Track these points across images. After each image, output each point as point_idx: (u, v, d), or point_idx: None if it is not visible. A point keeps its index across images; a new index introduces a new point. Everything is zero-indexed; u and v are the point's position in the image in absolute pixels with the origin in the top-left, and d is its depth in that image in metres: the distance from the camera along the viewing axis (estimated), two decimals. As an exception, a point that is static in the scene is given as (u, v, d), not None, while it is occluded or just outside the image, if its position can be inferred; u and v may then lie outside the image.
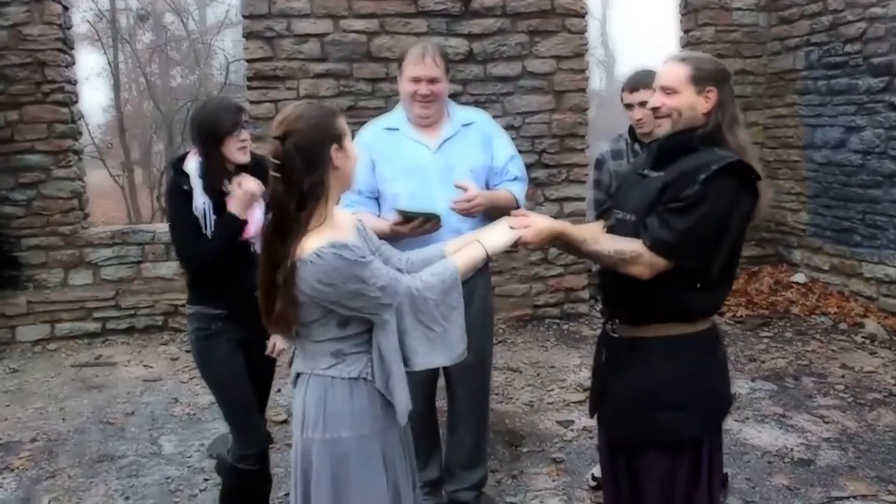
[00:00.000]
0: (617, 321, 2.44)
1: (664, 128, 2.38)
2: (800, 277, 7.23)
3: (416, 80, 3.07)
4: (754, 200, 2.27)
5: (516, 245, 2.38)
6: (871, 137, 6.30)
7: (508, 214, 3.35)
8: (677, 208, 2.20)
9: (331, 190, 2.09)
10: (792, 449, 4.08)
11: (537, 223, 2.34)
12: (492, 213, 3.06)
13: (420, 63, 3.05)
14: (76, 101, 6.65)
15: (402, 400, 2.13)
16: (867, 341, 5.82)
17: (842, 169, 6.65)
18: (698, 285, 2.26)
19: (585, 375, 5.30)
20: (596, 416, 2.60)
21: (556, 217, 6.49)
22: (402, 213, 2.89)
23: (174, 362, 5.78)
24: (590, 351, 5.83)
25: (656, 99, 2.39)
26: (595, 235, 2.39)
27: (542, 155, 6.49)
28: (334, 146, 2.06)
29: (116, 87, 17.01)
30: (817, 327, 6.24)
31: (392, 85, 6.14)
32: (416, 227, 2.89)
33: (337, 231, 2.09)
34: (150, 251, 6.47)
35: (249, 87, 6.05)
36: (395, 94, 6.01)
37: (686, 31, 7.56)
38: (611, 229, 2.46)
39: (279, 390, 4.69)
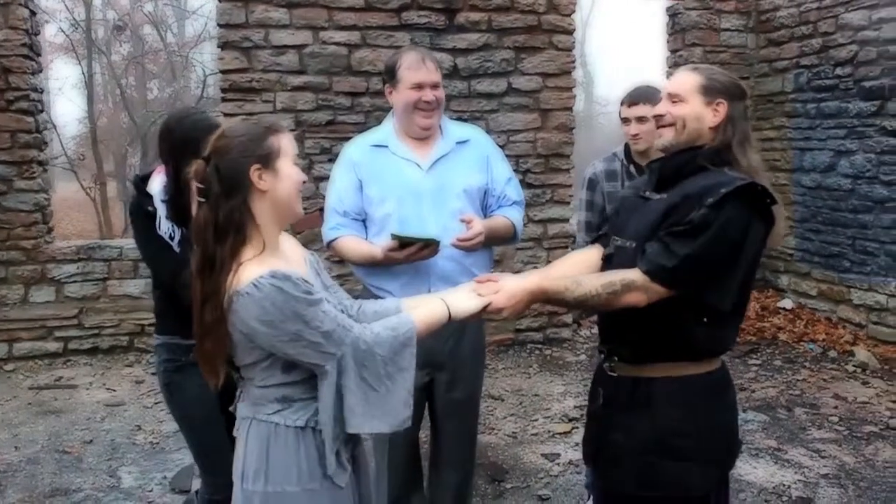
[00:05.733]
0: (616, 359, 2.21)
1: (665, 138, 2.17)
2: (786, 303, 7.09)
3: (419, 86, 2.82)
4: (768, 227, 2.07)
5: (486, 311, 2.10)
6: (862, 162, 6.18)
7: (506, 243, 3.16)
8: (680, 232, 1.99)
9: (259, 217, 1.84)
10: (789, 486, 3.89)
11: (507, 287, 2.07)
12: (490, 242, 2.88)
13: (422, 67, 2.82)
14: (42, 110, 6.36)
15: (329, 459, 1.86)
16: (858, 370, 5.66)
17: (831, 193, 6.52)
18: (705, 319, 2.04)
19: (570, 405, 5.10)
20: (592, 464, 2.37)
21: (539, 239, 6.40)
22: (398, 238, 2.66)
23: (139, 385, 5.49)
24: (574, 378, 5.66)
25: (661, 106, 2.20)
26: (575, 279, 2.11)
27: (526, 175, 6.28)
28: (256, 166, 1.81)
29: (90, 99, 16.70)
30: (806, 355, 6.07)
31: (373, 100, 5.95)
32: (413, 253, 2.66)
33: (283, 262, 1.85)
34: (117, 268, 6.18)
35: (224, 99, 5.82)
36: (376, 110, 5.91)
37: (673, 52, 7.44)
38: (608, 258, 2.24)
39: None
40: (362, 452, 2.08)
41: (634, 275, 2.01)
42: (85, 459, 4.27)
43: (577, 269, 2.27)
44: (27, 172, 6.05)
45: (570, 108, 6.41)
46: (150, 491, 3.90)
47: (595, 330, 6.69)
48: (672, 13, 7.42)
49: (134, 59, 17.93)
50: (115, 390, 5.40)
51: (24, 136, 6.03)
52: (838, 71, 6.37)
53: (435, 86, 2.85)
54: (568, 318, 6.62)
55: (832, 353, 6.05)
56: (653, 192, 2.18)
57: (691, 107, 2.13)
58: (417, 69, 2.81)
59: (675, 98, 2.16)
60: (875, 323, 6.16)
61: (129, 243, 6.46)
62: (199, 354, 1.85)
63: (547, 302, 2.17)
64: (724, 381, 2.21)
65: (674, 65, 7.41)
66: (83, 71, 16.50)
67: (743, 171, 2.10)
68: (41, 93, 6.40)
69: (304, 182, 1.94)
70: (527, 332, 6.47)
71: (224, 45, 5.75)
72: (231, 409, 2.03)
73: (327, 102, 5.90)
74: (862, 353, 5.86)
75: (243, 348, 1.82)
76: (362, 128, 5.66)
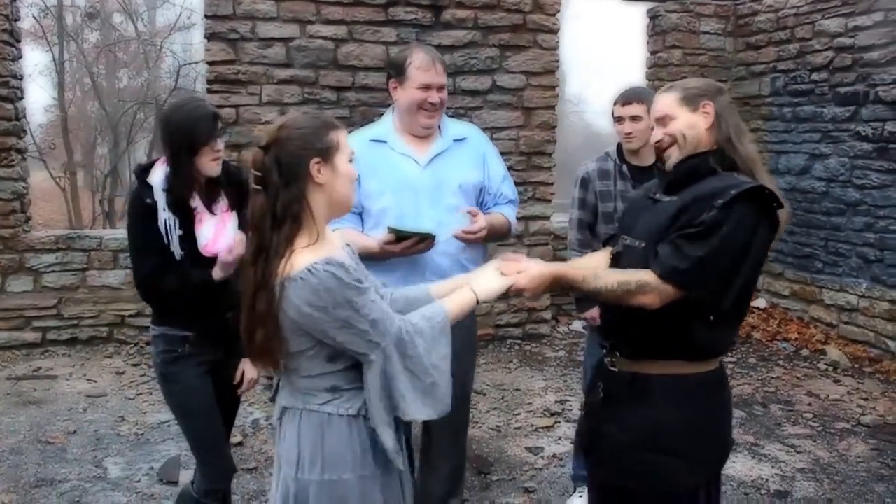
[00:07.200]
0: (617, 354, 2.27)
1: (673, 157, 2.23)
2: (760, 302, 7.24)
3: (427, 87, 2.88)
4: (773, 230, 2.13)
5: (509, 292, 2.18)
6: (836, 165, 6.35)
7: (501, 239, 3.24)
8: (692, 234, 2.05)
9: (315, 208, 1.88)
10: (767, 480, 4.00)
11: (531, 268, 2.15)
12: (488, 238, 2.93)
13: (432, 69, 2.88)
14: (21, 97, 6.28)
15: (388, 442, 1.91)
16: (830, 369, 5.82)
17: (805, 196, 6.68)
18: (711, 318, 2.11)
19: (552, 399, 5.17)
20: (586, 456, 2.43)
21: (521, 236, 6.47)
22: (394, 231, 2.70)
23: (120, 377, 5.45)
24: (554, 373, 5.74)
25: (655, 133, 2.28)
26: (594, 271, 2.21)
27: (508, 172, 6.33)
28: (316, 160, 1.85)
29: (61, 86, 16.44)
30: (780, 353, 6.22)
31: (358, 94, 5.97)
32: (409, 246, 2.71)
33: (334, 251, 1.90)
34: (97, 258, 6.12)
35: (210, 91, 5.79)
36: (361, 105, 5.94)
37: (653, 53, 7.55)
38: (617, 256, 2.30)
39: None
40: (407, 437, 2.13)
41: (649, 276, 2.06)
42: (69, 450, 4.25)
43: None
44: (6, 160, 5.97)
45: (553, 107, 6.48)
46: (138, 482, 3.89)
47: (573, 326, 6.81)
48: (652, 15, 7.53)
49: (105, 46, 17.64)
50: (95, 381, 5.36)
51: (3, 124, 5.94)
52: (814, 76, 6.53)
53: (441, 88, 2.91)
54: (547, 315, 6.70)
55: (804, 352, 6.21)
56: (663, 194, 2.24)
57: (682, 119, 2.21)
58: (427, 70, 2.87)
59: (664, 120, 2.24)
60: (846, 323, 6.33)
61: (108, 234, 6.42)
62: (250, 346, 1.88)
63: (564, 288, 2.25)
64: (721, 381, 2.28)
65: (653, 66, 7.52)
66: (53, 58, 16.19)
67: (742, 162, 2.17)
68: (21, 79, 6.32)
69: (357, 179, 1.98)
70: (506, 327, 6.54)
71: (211, 37, 5.73)
72: (270, 399, 2.05)
73: (313, 96, 5.91)
74: (833, 352, 6.02)
75: (291, 336, 1.84)
76: (347, 122, 5.67)
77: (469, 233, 2.79)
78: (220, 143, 2.68)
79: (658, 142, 2.26)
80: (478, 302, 2.10)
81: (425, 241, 2.74)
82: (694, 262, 2.02)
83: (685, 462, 2.16)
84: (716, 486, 2.35)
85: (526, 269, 2.15)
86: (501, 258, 2.23)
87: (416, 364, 1.90)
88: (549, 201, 6.61)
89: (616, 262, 2.32)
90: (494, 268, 2.18)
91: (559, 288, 2.26)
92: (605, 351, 2.36)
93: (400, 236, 2.72)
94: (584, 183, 3.49)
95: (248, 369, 2.85)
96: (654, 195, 2.28)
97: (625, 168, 3.40)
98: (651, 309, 2.08)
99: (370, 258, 2.88)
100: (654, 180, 2.40)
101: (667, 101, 2.24)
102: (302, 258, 1.81)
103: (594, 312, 3.45)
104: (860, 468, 4.15)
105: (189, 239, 2.69)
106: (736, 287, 2.08)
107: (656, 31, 7.48)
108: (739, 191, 2.03)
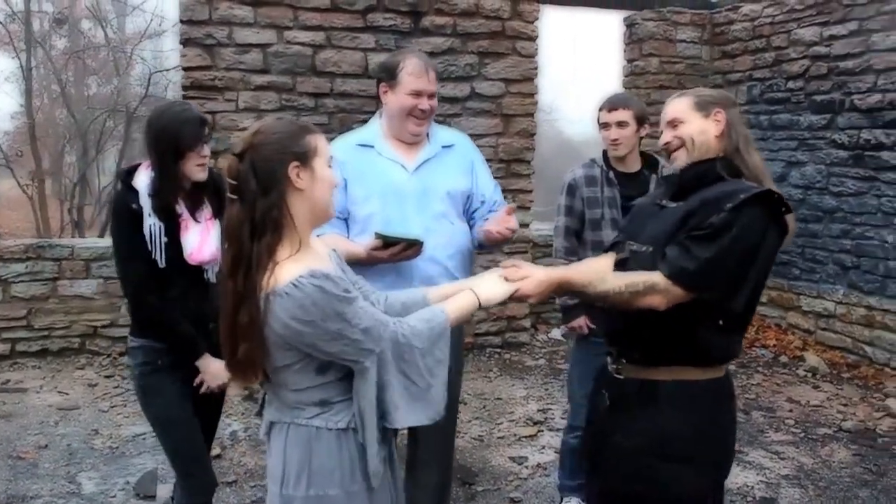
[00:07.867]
0: (624, 361, 2.23)
1: (680, 160, 2.23)
2: (737, 309, 7.26)
3: (418, 94, 2.83)
4: (782, 235, 2.12)
5: (513, 298, 2.14)
6: (813, 173, 6.40)
7: (498, 246, 3.20)
8: (700, 235, 2.04)
9: (296, 215, 1.80)
10: (753, 487, 3.99)
11: (535, 274, 2.12)
12: (497, 243, 2.93)
13: (424, 76, 2.83)
14: (-10, 104, 6.14)
15: (373, 457, 1.84)
16: (809, 375, 5.85)
17: (782, 203, 6.71)
18: (721, 322, 2.08)
19: (534, 408, 5.13)
20: (590, 464, 2.39)
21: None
22: (382, 237, 2.65)
23: (92, 389, 5.32)
24: (535, 382, 5.71)
25: (665, 136, 2.28)
26: (600, 275, 2.17)
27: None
28: (294, 164, 1.77)
29: (28, 93, 16.14)
30: (759, 360, 6.25)
31: (336, 101, 5.91)
32: (397, 252, 2.65)
33: (318, 261, 1.83)
34: (68, 267, 5.97)
35: (185, 97, 5.69)
36: (340, 111, 5.88)
37: (630, 61, 7.58)
38: (623, 262, 2.27)
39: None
40: (394, 451, 2.06)
41: (657, 277, 2.04)
42: (41, 465, 4.12)
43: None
44: (-26, 167, 5.83)
45: (531, 115, 6.48)
46: (114, 497, 3.78)
47: (552, 334, 6.79)
48: (629, 23, 7.56)
49: (74, 53, 17.38)
50: (67, 394, 5.22)
51: (-29, 130, 5.80)
52: (790, 84, 6.59)
53: (432, 95, 2.88)
54: (526, 323, 6.67)
55: (783, 359, 6.24)
56: (669, 200, 2.23)
57: (693, 124, 2.22)
58: (420, 76, 2.82)
59: (675, 123, 2.25)
60: (823, 329, 6.37)
61: (80, 242, 6.28)
62: (231, 360, 1.80)
63: (569, 294, 2.21)
64: (727, 389, 2.25)
65: (630, 74, 7.54)
66: (21, 64, 15.90)
67: (749, 171, 2.17)
68: (-11, 85, 6.18)
69: (337, 185, 1.92)
70: (486, 336, 6.49)
71: (186, 42, 5.64)
72: (256, 414, 1.98)
73: (290, 103, 5.84)
74: (812, 359, 6.05)
75: (277, 350, 1.77)
76: (325, 129, 5.61)
77: (509, 230, 2.79)
78: (206, 149, 2.63)
79: (667, 143, 2.26)
80: (480, 306, 2.05)
81: (413, 247, 2.70)
82: (702, 263, 2.01)
83: (691, 467, 2.14)
84: (719, 498, 2.33)
85: (530, 275, 2.12)
86: (503, 265, 2.18)
87: (411, 368, 1.84)
88: (529, 209, 6.60)
89: (621, 268, 2.28)
90: (498, 274, 2.13)
91: (564, 293, 2.22)
92: (610, 358, 2.32)
93: (387, 242, 2.67)
94: (571, 190, 3.46)
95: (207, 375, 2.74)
96: (661, 202, 2.26)
97: (611, 174, 3.38)
98: (658, 311, 2.06)
99: (356, 264, 2.82)
100: (660, 188, 2.38)
101: (680, 106, 2.26)
102: (286, 271, 1.73)
103: (581, 322, 3.42)
104: (843, 474, 4.16)
105: (174, 246, 2.63)
106: (746, 289, 2.07)
107: (633, 39, 7.51)
108: (749, 195, 2.03)
